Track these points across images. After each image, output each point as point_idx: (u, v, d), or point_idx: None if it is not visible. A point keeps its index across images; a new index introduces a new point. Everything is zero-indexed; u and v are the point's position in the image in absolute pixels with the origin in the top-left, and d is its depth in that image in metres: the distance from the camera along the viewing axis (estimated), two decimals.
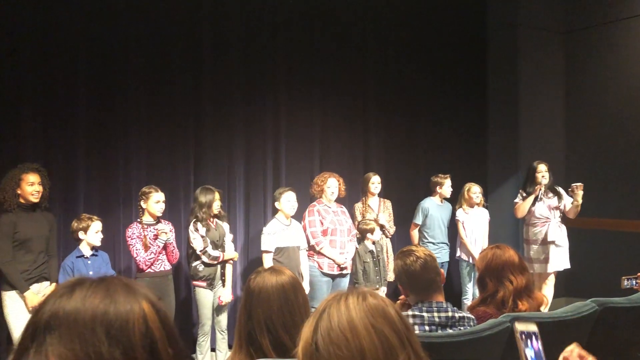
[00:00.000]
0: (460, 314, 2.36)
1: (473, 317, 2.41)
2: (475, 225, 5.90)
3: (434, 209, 5.88)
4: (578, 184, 5.47)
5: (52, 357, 0.71)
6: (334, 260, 5.04)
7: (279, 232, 4.91)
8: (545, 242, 5.61)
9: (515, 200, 5.80)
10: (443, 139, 6.75)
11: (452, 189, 5.94)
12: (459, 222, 5.91)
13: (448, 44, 6.80)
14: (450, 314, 2.33)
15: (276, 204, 5.02)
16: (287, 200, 4.96)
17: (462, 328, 2.32)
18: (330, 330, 0.99)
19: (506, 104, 6.83)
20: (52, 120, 4.74)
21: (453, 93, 6.82)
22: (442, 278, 2.45)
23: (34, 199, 3.98)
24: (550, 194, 5.69)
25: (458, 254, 6.00)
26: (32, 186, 3.97)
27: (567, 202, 5.64)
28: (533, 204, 5.65)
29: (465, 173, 6.40)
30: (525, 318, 2.21)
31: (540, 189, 5.62)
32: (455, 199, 6.00)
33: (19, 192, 3.97)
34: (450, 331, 2.27)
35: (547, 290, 5.58)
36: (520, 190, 5.81)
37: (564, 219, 5.71)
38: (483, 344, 2.18)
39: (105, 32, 4.95)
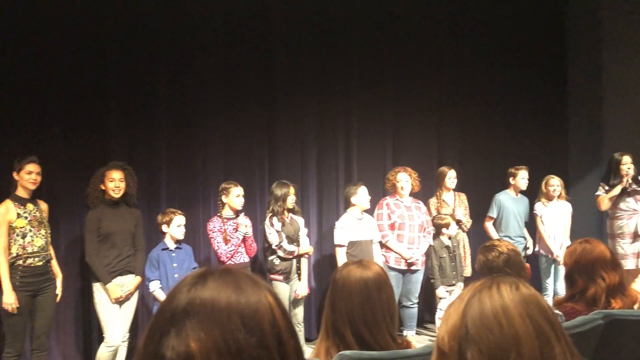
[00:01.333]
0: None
1: (561, 313, 2.33)
2: (555, 219, 5.66)
3: (508, 202, 5.70)
4: None
5: (192, 341, 0.74)
6: (400, 255, 4.99)
7: (352, 226, 4.92)
8: (636, 236, 5.31)
9: (597, 193, 5.53)
10: (521, 130, 6.53)
11: (527, 182, 5.73)
12: (537, 216, 5.70)
13: (526, 31, 6.57)
14: None
15: (352, 198, 5.03)
16: (363, 194, 4.98)
17: None
18: (482, 315, 0.99)
19: (588, 92, 6.51)
20: (135, 120, 4.98)
21: (531, 82, 6.58)
22: (528, 273, 2.38)
23: (115, 194, 4.17)
24: (634, 186, 5.38)
25: (536, 248, 5.79)
26: (112, 182, 4.17)
27: None
28: (619, 196, 5.36)
29: (545, 165, 6.17)
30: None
31: (627, 181, 5.33)
32: (534, 192, 5.80)
33: (102, 188, 4.19)
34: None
35: (638, 287, 5.28)
36: (602, 183, 5.53)
37: None
38: (573, 341, 2.10)
39: (183, 33, 5.14)
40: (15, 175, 3.93)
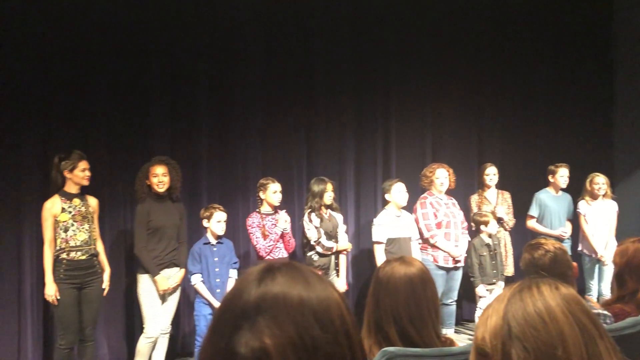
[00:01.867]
0: (595, 310, 2.24)
1: (610, 314, 2.28)
2: (599, 218, 5.52)
3: (549, 200, 5.58)
4: None
5: (267, 337, 0.73)
6: (448, 253, 4.95)
7: (390, 223, 4.91)
8: None
9: None
10: (564, 127, 6.38)
11: (568, 179, 5.58)
12: (581, 214, 5.57)
13: (570, 25, 6.41)
14: None
15: (386, 195, 5.03)
16: (398, 191, 4.95)
17: None
18: (525, 314, 1.00)
19: (635, 89, 6.31)
20: (177, 117, 5.07)
21: (575, 78, 6.43)
22: (575, 272, 2.33)
23: (159, 189, 4.26)
24: None
25: (580, 248, 5.65)
26: (156, 177, 4.25)
27: None
28: None
29: (589, 162, 6.01)
30: None
31: None
32: (577, 190, 5.66)
33: (147, 183, 4.28)
34: None
35: None
36: None
37: None
38: (623, 343, 2.04)
39: (224, 31, 5.21)
40: (67, 173, 4.03)
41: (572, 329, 0.98)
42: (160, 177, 4.26)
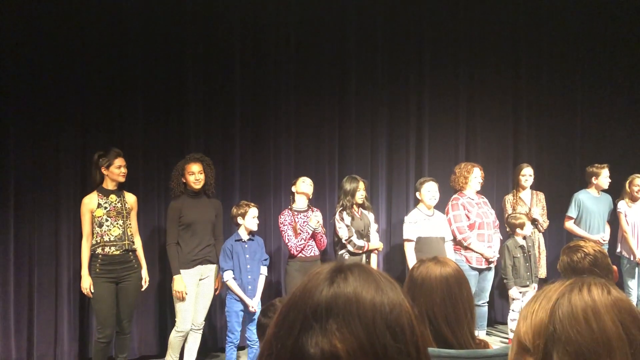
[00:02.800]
0: None
1: None
2: (639, 219, 5.38)
3: (590, 201, 5.46)
4: None
5: (337, 341, 0.72)
6: (482, 255, 4.89)
7: (421, 222, 4.87)
8: None
9: None
10: (602, 126, 6.23)
11: (610, 180, 5.46)
12: (621, 215, 5.43)
13: (608, 22, 6.25)
14: None
15: (417, 194, 4.99)
16: (427, 191, 4.91)
17: None
18: (571, 315, 0.97)
19: None
20: (211, 114, 5.12)
21: (614, 76, 6.26)
22: (615, 276, 2.27)
23: (196, 186, 4.33)
24: None
25: (619, 249, 5.52)
26: (192, 175, 4.32)
27: None
28: None
29: (630, 163, 5.85)
30: None
31: None
32: (614, 191, 5.52)
33: (183, 180, 4.35)
34: None
35: None
36: None
37: None
38: None
39: (257, 29, 5.24)
40: (104, 170, 4.12)
41: (620, 338, 0.94)
42: (196, 175, 4.33)
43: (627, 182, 5.44)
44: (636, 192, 5.37)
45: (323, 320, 0.74)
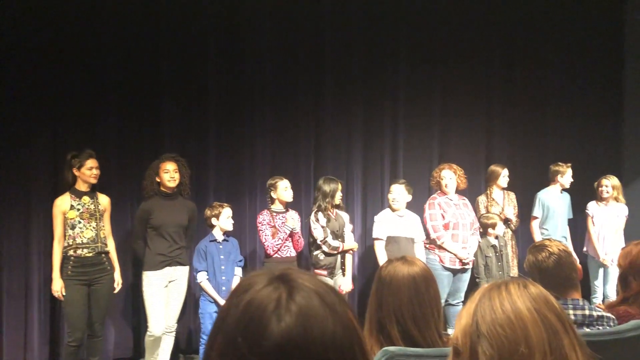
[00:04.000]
0: (599, 313, 2.23)
1: (613, 317, 2.27)
2: (606, 220, 5.48)
3: (553, 199, 5.51)
4: None
5: None
6: (455, 255, 4.94)
7: (391, 221, 4.90)
8: None
9: None
10: (572, 128, 6.34)
11: (572, 179, 5.55)
12: (589, 216, 5.54)
13: (580, 27, 6.37)
14: (587, 312, 2.21)
15: (389, 195, 5.03)
16: (391, 194, 4.95)
17: (600, 328, 2.19)
18: (492, 313, 1.04)
19: None
20: (186, 115, 5.11)
21: (584, 79, 6.38)
22: (579, 274, 2.33)
23: (171, 184, 4.29)
24: None
25: (585, 249, 5.62)
26: (167, 173, 4.29)
27: None
28: None
29: (597, 164, 5.98)
30: None
31: None
32: (580, 191, 5.63)
33: (157, 180, 4.31)
34: (588, 330, 2.16)
35: None
36: None
37: None
38: (626, 346, 2.04)
39: (234, 29, 5.24)
40: (75, 171, 4.08)
41: (536, 325, 1.01)
42: (171, 173, 4.30)
43: (597, 182, 5.54)
44: (602, 192, 5.47)
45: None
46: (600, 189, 5.48)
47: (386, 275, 1.95)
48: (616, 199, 5.51)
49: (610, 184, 5.45)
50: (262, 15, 5.34)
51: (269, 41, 5.37)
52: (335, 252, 4.70)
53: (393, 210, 4.96)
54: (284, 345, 0.71)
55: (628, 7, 6.42)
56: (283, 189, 4.61)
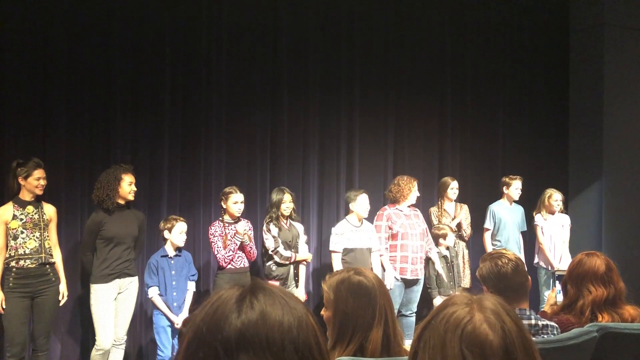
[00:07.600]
0: (544, 322, 2.30)
1: (557, 325, 2.35)
2: (554, 232, 5.68)
3: (504, 211, 5.67)
4: None
5: None
6: (395, 269, 4.97)
7: (348, 233, 4.93)
8: None
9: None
10: (522, 142, 6.56)
11: (521, 192, 5.72)
12: (538, 227, 5.71)
13: (528, 42, 6.63)
14: (533, 321, 2.28)
15: (351, 205, 5.05)
16: (362, 202, 4.99)
17: (544, 336, 2.26)
18: (433, 320, 1.08)
19: (589, 106, 6.52)
20: (139, 124, 5.00)
21: (533, 94, 6.63)
22: (529, 283, 2.40)
23: (132, 197, 4.20)
24: None
25: (536, 260, 5.79)
26: (130, 186, 4.18)
27: None
28: None
29: (546, 177, 6.20)
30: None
31: None
32: (529, 203, 5.81)
33: (119, 191, 4.15)
34: (534, 339, 2.22)
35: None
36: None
37: None
38: (568, 354, 2.12)
39: (188, 37, 5.19)
40: (21, 180, 3.92)
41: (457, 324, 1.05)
42: (133, 186, 4.20)
43: (546, 196, 5.68)
44: (555, 206, 5.65)
45: (234, 355, 0.76)
46: (552, 202, 5.65)
47: (336, 286, 1.96)
48: (560, 211, 5.72)
49: (560, 197, 5.66)
50: (218, 27, 5.31)
51: (225, 51, 5.34)
52: (288, 262, 4.69)
53: (359, 219, 4.98)
54: (244, 331, 0.77)
55: (573, 24, 6.70)
56: (233, 202, 4.57)
